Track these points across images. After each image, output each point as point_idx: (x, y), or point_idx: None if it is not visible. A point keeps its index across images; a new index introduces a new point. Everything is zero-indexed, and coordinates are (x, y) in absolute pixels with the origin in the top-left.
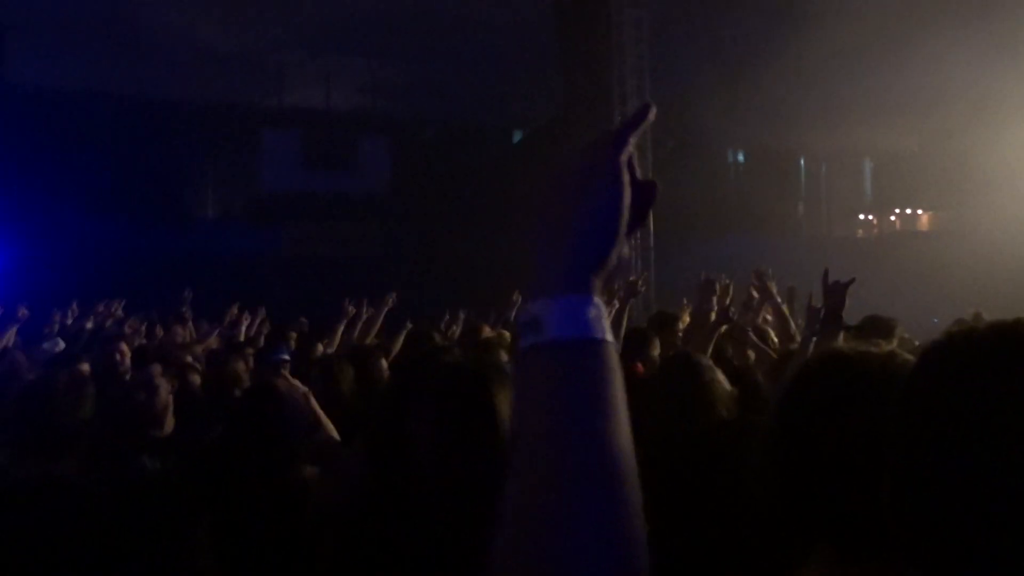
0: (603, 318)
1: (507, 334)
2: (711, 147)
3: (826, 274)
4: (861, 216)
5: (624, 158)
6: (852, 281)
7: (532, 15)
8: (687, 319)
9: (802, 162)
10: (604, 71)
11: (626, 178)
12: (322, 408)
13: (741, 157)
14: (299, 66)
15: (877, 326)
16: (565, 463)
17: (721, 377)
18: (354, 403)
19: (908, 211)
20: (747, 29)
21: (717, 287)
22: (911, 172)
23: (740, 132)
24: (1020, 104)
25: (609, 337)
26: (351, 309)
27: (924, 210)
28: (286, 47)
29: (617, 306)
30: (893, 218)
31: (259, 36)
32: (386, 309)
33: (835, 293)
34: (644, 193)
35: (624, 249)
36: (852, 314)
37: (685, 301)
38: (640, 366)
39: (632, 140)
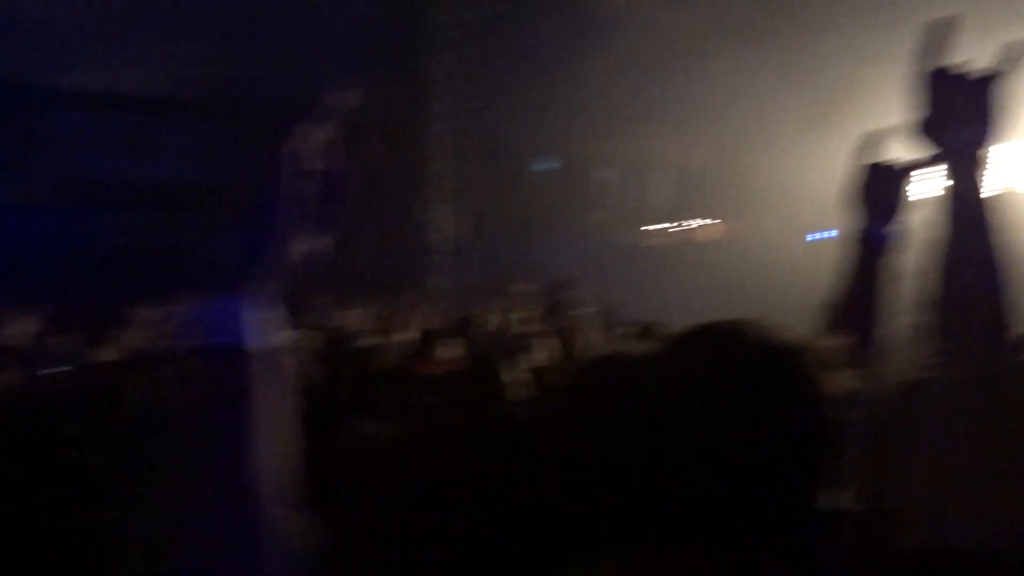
0: (256, 323)
1: None
2: (512, 154)
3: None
4: (655, 225)
5: (297, 147)
6: None
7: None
8: (494, 320)
9: (599, 171)
10: (413, 76)
11: (300, 168)
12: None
13: (542, 165)
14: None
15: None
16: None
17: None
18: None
19: (700, 221)
20: (549, 38)
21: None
22: (702, 183)
23: (540, 140)
24: (802, 121)
25: (259, 343)
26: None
27: (714, 220)
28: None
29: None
30: (685, 227)
31: (50, 9)
32: None
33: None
34: (332, 183)
35: (320, 245)
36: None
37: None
38: (433, 364)
39: (317, 128)
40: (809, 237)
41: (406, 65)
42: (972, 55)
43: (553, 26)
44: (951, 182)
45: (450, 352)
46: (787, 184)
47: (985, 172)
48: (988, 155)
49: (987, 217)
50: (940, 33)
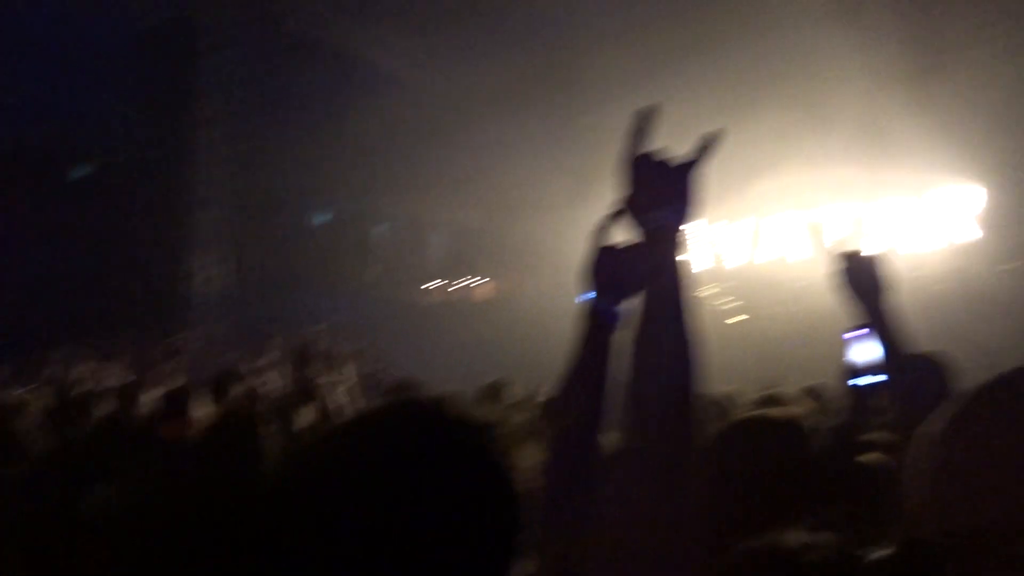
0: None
1: None
2: (290, 207)
3: None
4: (429, 283)
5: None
6: None
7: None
8: (253, 376)
9: (377, 227)
10: (181, 124)
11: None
12: None
13: (321, 218)
14: None
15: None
16: None
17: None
18: None
19: (471, 280)
20: (330, 94)
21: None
22: (476, 244)
23: (321, 194)
24: (567, 191)
25: None
26: None
27: (485, 279)
28: None
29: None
30: (458, 285)
31: None
32: None
33: None
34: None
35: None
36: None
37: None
38: (183, 424)
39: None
40: (579, 299)
41: (175, 112)
42: (674, 143)
43: (333, 82)
44: (652, 261)
45: (203, 411)
46: (557, 246)
47: (683, 252)
48: (686, 235)
49: (682, 295)
50: (644, 120)
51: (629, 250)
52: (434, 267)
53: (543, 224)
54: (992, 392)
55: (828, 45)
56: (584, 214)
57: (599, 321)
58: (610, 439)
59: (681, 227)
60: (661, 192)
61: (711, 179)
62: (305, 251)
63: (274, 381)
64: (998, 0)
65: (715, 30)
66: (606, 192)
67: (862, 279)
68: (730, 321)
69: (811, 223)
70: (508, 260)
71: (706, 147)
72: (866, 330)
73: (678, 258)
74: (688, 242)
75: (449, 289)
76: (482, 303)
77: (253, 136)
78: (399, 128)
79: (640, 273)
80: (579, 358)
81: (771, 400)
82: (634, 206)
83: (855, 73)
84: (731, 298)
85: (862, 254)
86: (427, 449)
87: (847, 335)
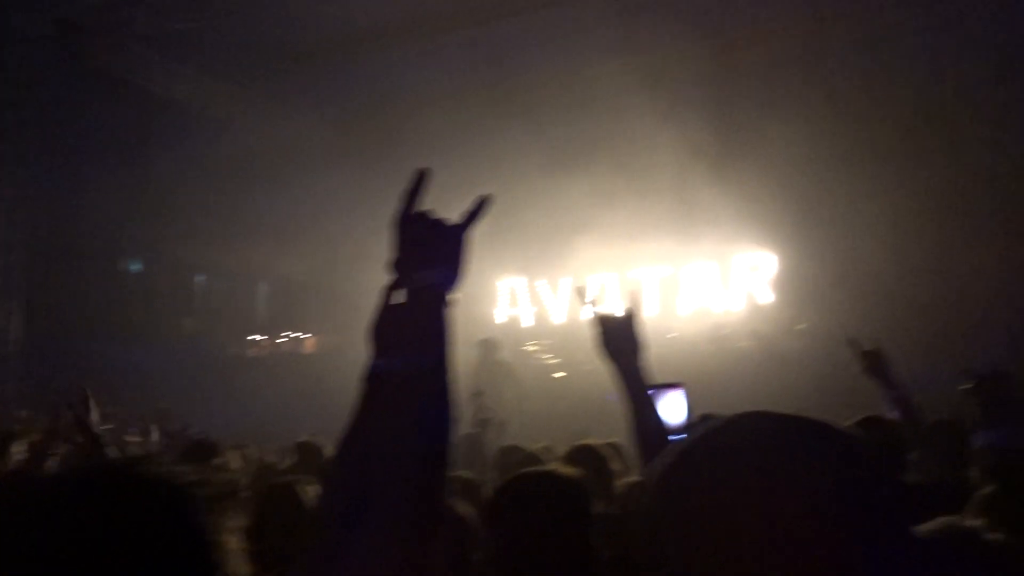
0: None
1: None
2: (103, 253)
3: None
4: (254, 336)
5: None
6: None
7: None
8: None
9: (200, 278)
10: None
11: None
12: None
13: (138, 266)
14: None
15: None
16: None
17: None
18: None
19: (297, 333)
20: (149, 135)
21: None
22: (301, 296)
23: (138, 240)
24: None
25: None
26: None
27: (310, 333)
28: None
29: None
30: (283, 339)
31: None
32: None
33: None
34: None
35: None
36: (247, 427)
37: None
38: None
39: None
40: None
41: None
42: (445, 204)
43: (148, 125)
44: (413, 321)
45: None
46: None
47: (448, 313)
48: (453, 296)
49: (443, 355)
50: (418, 180)
51: (394, 306)
52: (257, 320)
53: (368, 279)
54: (698, 443)
55: (643, 118)
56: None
57: (376, 379)
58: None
59: (447, 288)
60: (429, 252)
61: (535, 238)
62: (116, 301)
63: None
64: (789, 88)
65: (540, 96)
66: None
67: (618, 340)
68: (554, 376)
69: (576, 286)
70: (333, 314)
71: (477, 210)
72: (673, 388)
73: (443, 318)
74: (453, 303)
75: (273, 343)
76: (306, 357)
77: (56, 179)
78: (224, 176)
79: (412, 332)
80: (356, 416)
81: (580, 452)
82: (401, 266)
83: (668, 146)
84: (551, 355)
85: (617, 316)
86: (114, 511)
87: (652, 391)
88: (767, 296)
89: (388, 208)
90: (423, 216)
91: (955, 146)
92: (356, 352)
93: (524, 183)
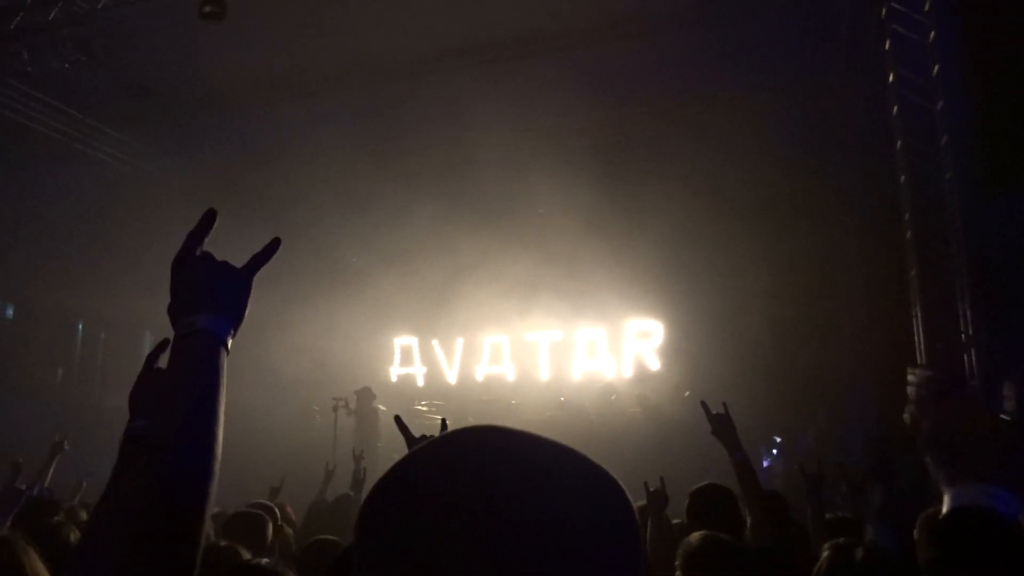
0: None
1: None
2: None
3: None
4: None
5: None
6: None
7: None
8: None
9: (80, 326)
10: None
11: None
12: None
13: (11, 312)
14: None
15: None
16: None
17: None
18: None
19: None
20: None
21: None
22: None
23: (10, 285)
24: (278, 303)
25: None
26: None
27: None
28: None
29: None
30: None
31: None
32: None
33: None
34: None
35: None
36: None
37: None
38: None
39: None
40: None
41: None
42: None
43: (26, 164)
44: (174, 366)
45: None
46: (265, 360)
47: (220, 356)
48: (224, 342)
49: (209, 402)
50: (203, 222)
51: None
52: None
53: (252, 336)
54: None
55: (537, 183)
56: (293, 325)
57: (129, 442)
58: None
59: (221, 334)
60: (204, 296)
61: (429, 298)
62: None
63: None
64: (676, 162)
65: (433, 156)
66: (316, 308)
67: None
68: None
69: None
70: (229, 368)
71: (265, 253)
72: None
73: (211, 364)
74: (226, 350)
75: None
76: None
77: None
78: (109, 222)
79: (167, 390)
80: (110, 479)
81: None
82: (172, 309)
83: (560, 211)
84: (441, 416)
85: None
86: None
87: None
88: (654, 363)
89: (279, 263)
90: (203, 258)
91: (827, 222)
92: (242, 404)
93: (418, 243)
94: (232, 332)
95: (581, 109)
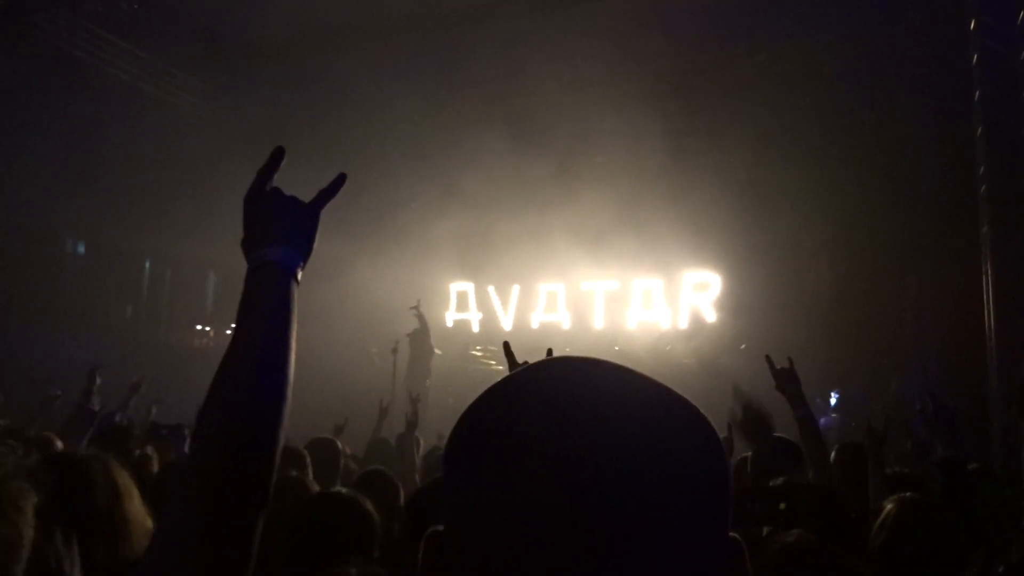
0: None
1: None
2: (48, 233)
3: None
4: (200, 326)
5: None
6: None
7: None
8: None
9: (147, 264)
10: None
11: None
12: None
13: (82, 249)
14: None
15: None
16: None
17: None
18: None
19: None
20: (95, 114)
21: None
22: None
23: (82, 223)
24: (346, 243)
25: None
26: None
27: None
28: None
29: None
30: (230, 331)
31: None
32: None
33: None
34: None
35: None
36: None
37: None
38: None
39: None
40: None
41: None
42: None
43: (91, 103)
44: (248, 296)
45: None
46: (333, 298)
47: (291, 288)
48: (294, 274)
49: (281, 331)
50: (272, 159)
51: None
52: (205, 311)
53: (319, 274)
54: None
55: (602, 133)
56: (355, 269)
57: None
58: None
59: (290, 266)
60: (274, 230)
61: (488, 245)
62: (56, 285)
63: None
64: (742, 114)
65: (499, 105)
66: (375, 253)
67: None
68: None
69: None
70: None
71: (331, 188)
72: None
73: (282, 296)
74: (296, 281)
75: (219, 334)
76: None
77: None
78: (178, 164)
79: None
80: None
81: None
82: (246, 242)
83: (624, 161)
84: (495, 362)
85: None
86: None
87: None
88: (711, 315)
89: (340, 207)
90: (273, 194)
91: (897, 175)
92: (305, 348)
93: (477, 190)
94: (302, 264)
95: (645, 56)
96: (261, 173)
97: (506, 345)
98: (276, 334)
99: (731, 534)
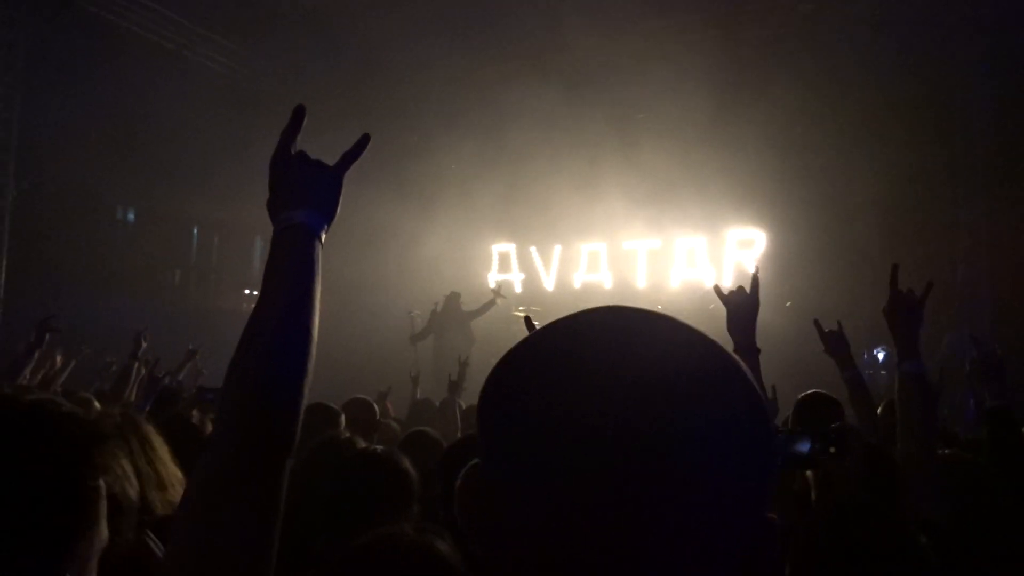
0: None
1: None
2: (98, 201)
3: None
4: (247, 290)
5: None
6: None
7: None
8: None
9: (195, 230)
10: None
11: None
12: None
13: (132, 216)
14: None
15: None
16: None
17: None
18: None
19: None
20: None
21: None
22: None
23: (131, 190)
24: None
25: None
26: None
27: None
28: None
29: None
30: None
31: None
32: None
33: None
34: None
35: None
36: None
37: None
38: None
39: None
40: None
41: None
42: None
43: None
44: (275, 258)
45: None
46: (388, 269)
47: (316, 250)
48: (321, 236)
49: (308, 293)
50: (294, 120)
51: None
52: (252, 275)
53: (362, 239)
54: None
55: (641, 89)
56: (395, 231)
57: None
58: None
59: (316, 228)
60: (300, 192)
61: (529, 205)
62: (107, 250)
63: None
64: (787, 66)
65: (539, 62)
66: (417, 216)
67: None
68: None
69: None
70: (327, 272)
71: (355, 150)
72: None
73: (308, 257)
74: (320, 243)
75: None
76: None
77: (48, 124)
78: (222, 130)
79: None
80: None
81: None
82: (272, 205)
83: (664, 118)
84: (538, 321)
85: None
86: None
87: None
88: (756, 272)
89: (380, 171)
90: (298, 156)
91: (949, 131)
92: (349, 312)
93: (518, 150)
94: (326, 226)
95: (689, 8)
96: (285, 133)
97: (527, 320)
98: (301, 292)
99: (769, 515)
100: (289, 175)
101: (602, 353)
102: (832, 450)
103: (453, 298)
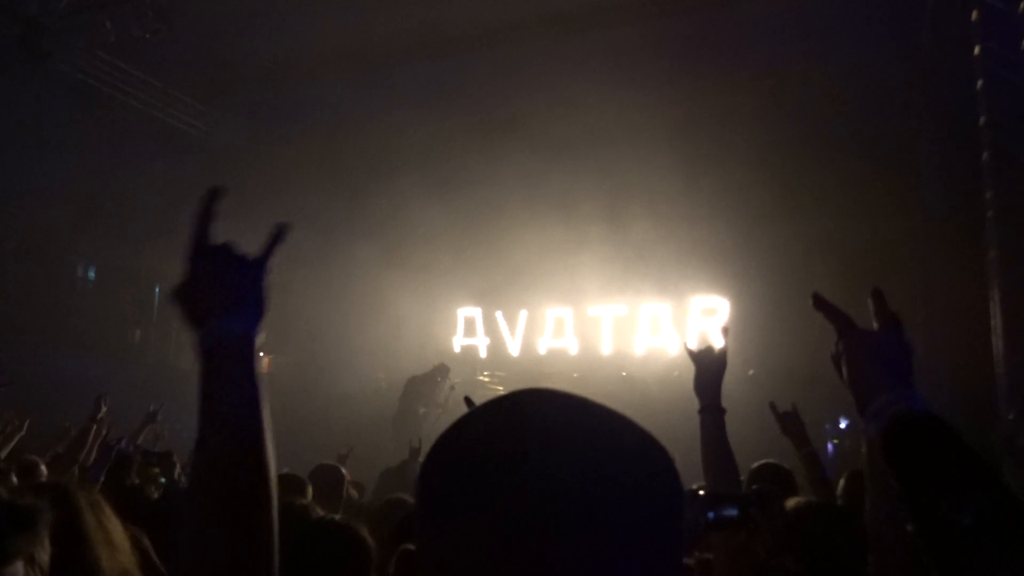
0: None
1: None
2: (59, 257)
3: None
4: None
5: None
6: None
7: None
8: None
9: (157, 288)
10: None
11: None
12: None
13: (92, 273)
14: None
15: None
16: None
17: None
18: None
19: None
20: (109, 140)
21: None
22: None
23: (93, 247)
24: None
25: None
26: None
27: (267, 352)
28: None
29: None
30: None
31: None
32: None
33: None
34: None
35: None
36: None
37: None
38: None
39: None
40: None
41: None
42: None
43: (110, 132)
44: (214, 380)
45: None
46: (342, 324)
47: (255, 361)
48: (255, 342)
49: (255, 412)
50: (209, 202)
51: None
52: None
53: (327, 300)
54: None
55: (609, 156)
56: (361, 295)
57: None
58: None
59: (252, 332)
60: (228, 293)
61: (495, 270)
62: (68, 308)
63: None
64: (751, 140)
65: (499, 132)
66: (382, 279)
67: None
68: None
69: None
70: (290, 335)
71: (275, 239)
72: None
73: (249, 372)
74: (258, 350)
75: None
76: (262, 376)
77: (11, 179)
78: (186, 189)
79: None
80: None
81: None
82: (192, 309)
83: (631, 186)
84: (503, 388)
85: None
86: None
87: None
88: (720, 341)
89: (348, 233)
90: (218, 251)
91: (902, 203)
92: (313, 373)
93: (484, 216)
94: (259, 327)
95: (653, 83)
96: (200, 219)
97: (467, 400)
98: (251, 417)
99: (684, 560)
100: (215, 273)
101: (520, 444)
102: (751, 512)
103: (442, 371)
